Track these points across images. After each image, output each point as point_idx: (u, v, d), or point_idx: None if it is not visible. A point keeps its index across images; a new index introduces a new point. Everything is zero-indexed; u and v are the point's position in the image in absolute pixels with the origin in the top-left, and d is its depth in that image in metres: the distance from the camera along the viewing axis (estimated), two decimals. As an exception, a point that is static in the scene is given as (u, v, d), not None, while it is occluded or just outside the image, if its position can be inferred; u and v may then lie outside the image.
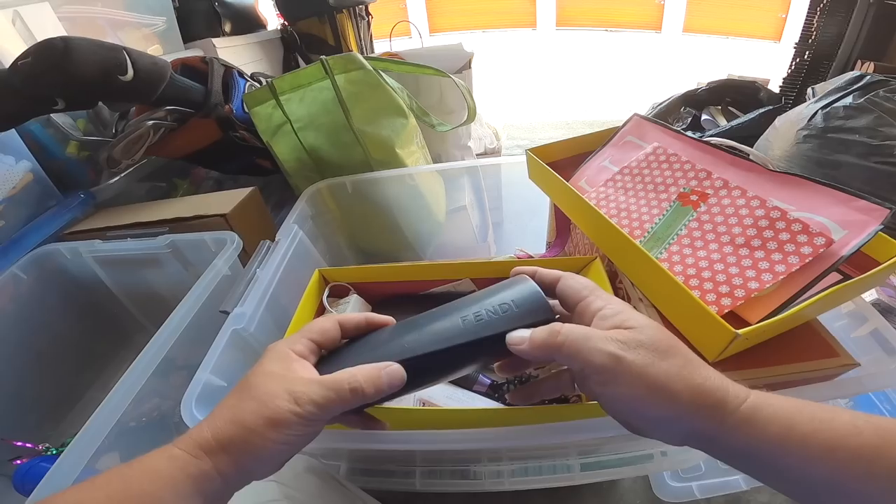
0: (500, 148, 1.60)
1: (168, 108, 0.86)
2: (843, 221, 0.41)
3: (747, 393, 0.27)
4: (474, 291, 0.46)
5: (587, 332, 0.28)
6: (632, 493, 0.73)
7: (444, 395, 0.57)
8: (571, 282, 0.33)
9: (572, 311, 0.33)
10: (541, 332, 0.29)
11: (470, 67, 1.25)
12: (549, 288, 0.34)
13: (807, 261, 0.39)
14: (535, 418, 0.41)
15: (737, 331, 0.35)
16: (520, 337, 0.30)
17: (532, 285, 0.33)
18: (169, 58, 0.88)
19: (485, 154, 1.54)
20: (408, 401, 0.56)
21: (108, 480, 0.26)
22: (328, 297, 0.61)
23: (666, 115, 1.69)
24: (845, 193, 0.42)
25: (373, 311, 0.62)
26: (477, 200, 0.95)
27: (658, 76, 3.39)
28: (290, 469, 0.48)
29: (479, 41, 5.14)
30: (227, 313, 0.57)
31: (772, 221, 0.42)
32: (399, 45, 1.64)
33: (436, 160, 1.17)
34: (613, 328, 0.28)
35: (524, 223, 0.95)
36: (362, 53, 0.85)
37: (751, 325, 0.40)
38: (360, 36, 2.12)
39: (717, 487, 0.65)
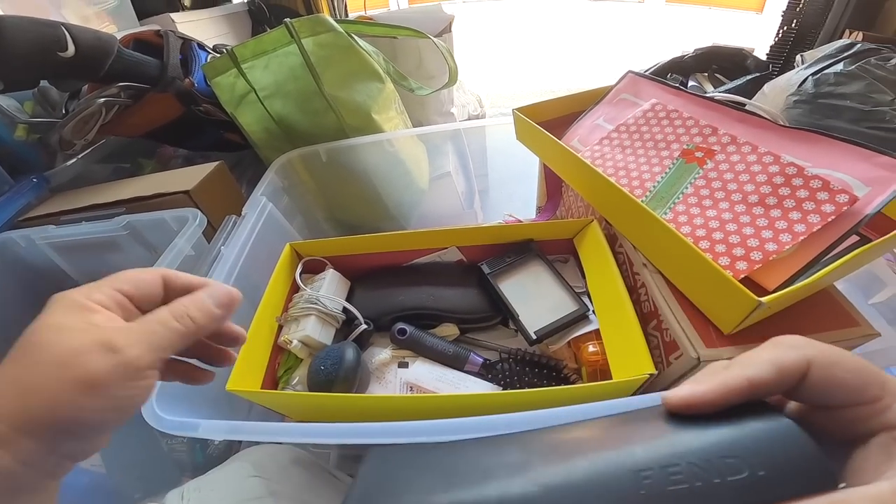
0: (484, 115, 1.55)
1: (121, 84, 0.80)
2: (866, 178, 0.37)
3: None
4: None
5: None
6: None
7: (433, 378, 0.53)
8: (846, 367, 0.19)
9: (830, 407, 0.20)
10: None
11: (451, 31, 1.18)
12: (792, 378, 0.19)
13: (829, 220, 0.36)
14: (535, 403, 0.37)
15: (759, 299, 0.31)
16: None
17: (789, 427, 0.18)
18: (124, 34, 0.84)
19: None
20: (395, 386, 0.53)
21: None
22: (302, 273, 0.56)
23: (652, 83, 1.64)
24: (866, 149, 0.39)
25: (352, 286, 0.59)
26: (462, 166, 0.91)
27: (641, 46, 3.33)
28: (274, 462, 0.44)
29: (461, 10, 5.00)
30: (189, 295, 0.53)
31: (787, 178, 0.39)
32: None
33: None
34: None
35: (511, 189, 0.91)
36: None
37: (768, 290, 0.37)
38: (333, 5, 2.01)
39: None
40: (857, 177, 0.38)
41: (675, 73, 1.66)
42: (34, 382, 0.21)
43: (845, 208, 0.36)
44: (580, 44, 3.57)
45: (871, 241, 0.38)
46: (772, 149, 0.41)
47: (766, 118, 0.45)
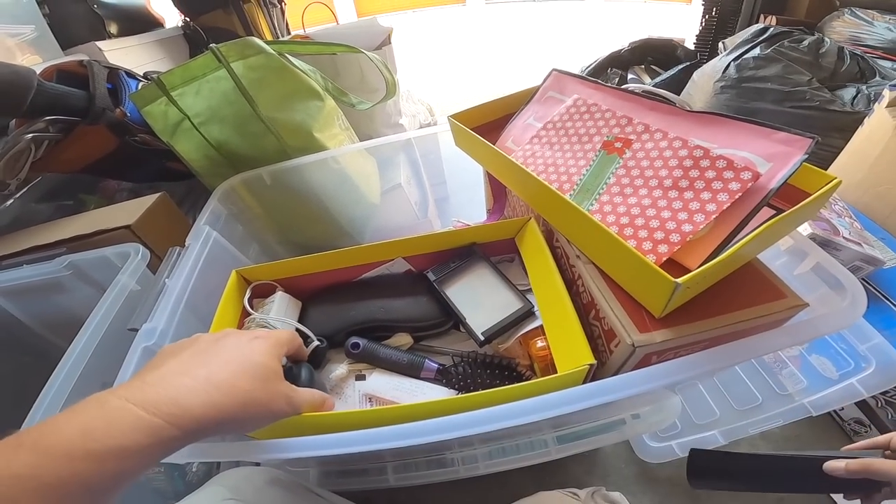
0: (436, 123, 1.56)
1: (48, 118, 0.77)
2: (767, 154, 0.40)
3: None
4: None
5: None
6: (615, 457, 0.73)
7: (391, 387, 0.53)
8: None
9: None
10: (857, 461, 0.39)
11: (390, 43, 1.20)
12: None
13: (737, 196, 0.38)
14: (489, 403, 0.38)
15: (676, 280, 0.33)
16: (837, 466, 0.40)
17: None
18: (46, 66, 0.81)
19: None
20: (354, 399, 0.53)
21: (70, 458, 0.24)
22: (251, 297, 0.56)
23: (595, 76, 1.69)
24: (765, 127, 0.41)
25: (303, 306, 0.58)
26: (414, 176, 0.91)
27: (585, 42, 3.44)
28: (249, 484, 0.43)
29: (409, 21, 5.05)
30: (137, 330, 0.52)
31: (696, 161, 0.41)
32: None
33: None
34: None
35: (469, 194, 0.91)
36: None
37: (691, 271, 0.39)
38: (273, 25, 1.99)
39: (695, 444, 0.63)
40: (758, 154, 0.40)
41: (614, 66, 1.72)
42: (252, 405, 0.32)
43: (750, 184, 0.38)
44: (529, 45, 3.66)
45: (784, 212, 0.40)
46: (681, 134, 0.44)
47: (674, 105, 0.48)
